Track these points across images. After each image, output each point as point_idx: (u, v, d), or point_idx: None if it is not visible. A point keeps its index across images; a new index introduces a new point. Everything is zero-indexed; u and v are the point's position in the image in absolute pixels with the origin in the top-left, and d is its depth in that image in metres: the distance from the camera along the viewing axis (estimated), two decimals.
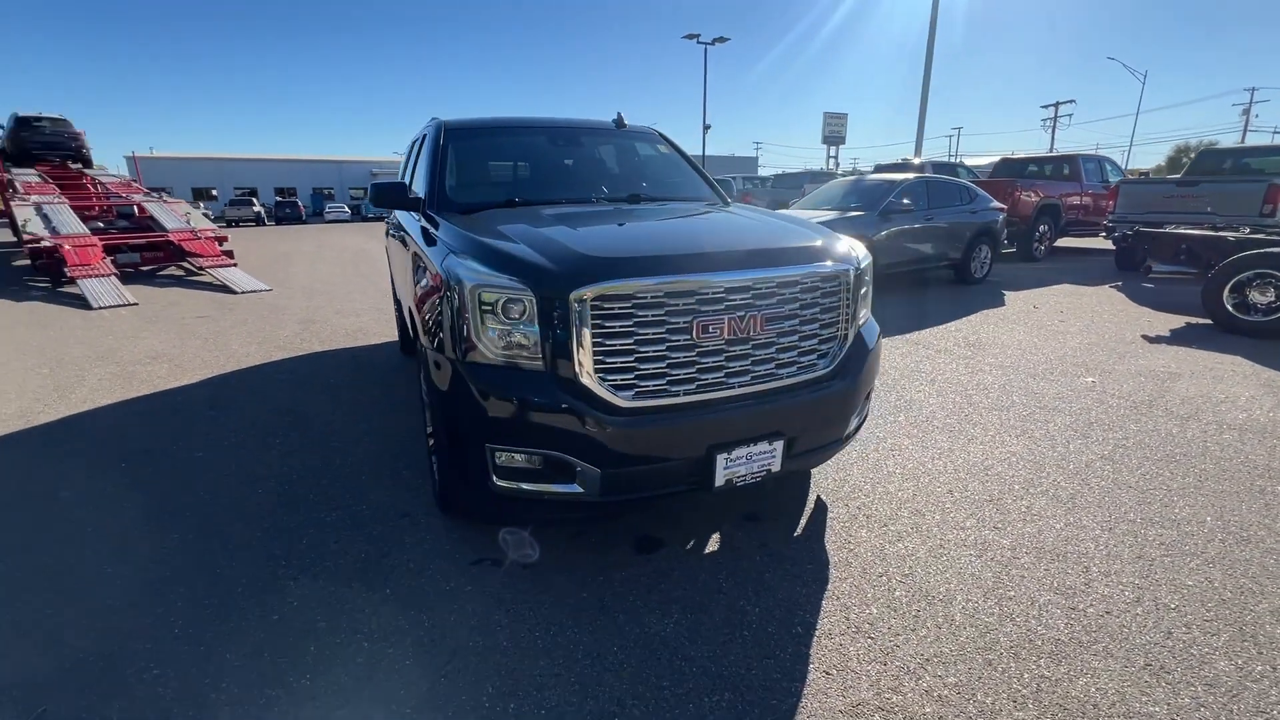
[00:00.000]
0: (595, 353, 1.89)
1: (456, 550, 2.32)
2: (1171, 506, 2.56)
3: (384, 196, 2.95)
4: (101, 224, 11.83)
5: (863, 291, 2.43)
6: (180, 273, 10.65)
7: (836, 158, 39.76)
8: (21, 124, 15.67)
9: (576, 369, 1.89)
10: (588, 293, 1.86)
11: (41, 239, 9.27)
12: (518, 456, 1.97)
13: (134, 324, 6.56)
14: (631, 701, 1.63)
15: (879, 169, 14.52)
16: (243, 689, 1.68)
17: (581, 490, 1.97)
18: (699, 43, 30.08)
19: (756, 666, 1.75)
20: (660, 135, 3.79)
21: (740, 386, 2.07)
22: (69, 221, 10.29)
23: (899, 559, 2.25)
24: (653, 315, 1.92)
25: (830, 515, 2.54)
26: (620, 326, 1.89)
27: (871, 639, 1.85)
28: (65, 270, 8.63)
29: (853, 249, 2.41)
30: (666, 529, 2.45)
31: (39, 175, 13.47)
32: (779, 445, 2.12)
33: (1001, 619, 1.92)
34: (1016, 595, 2.03)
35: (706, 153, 32.68)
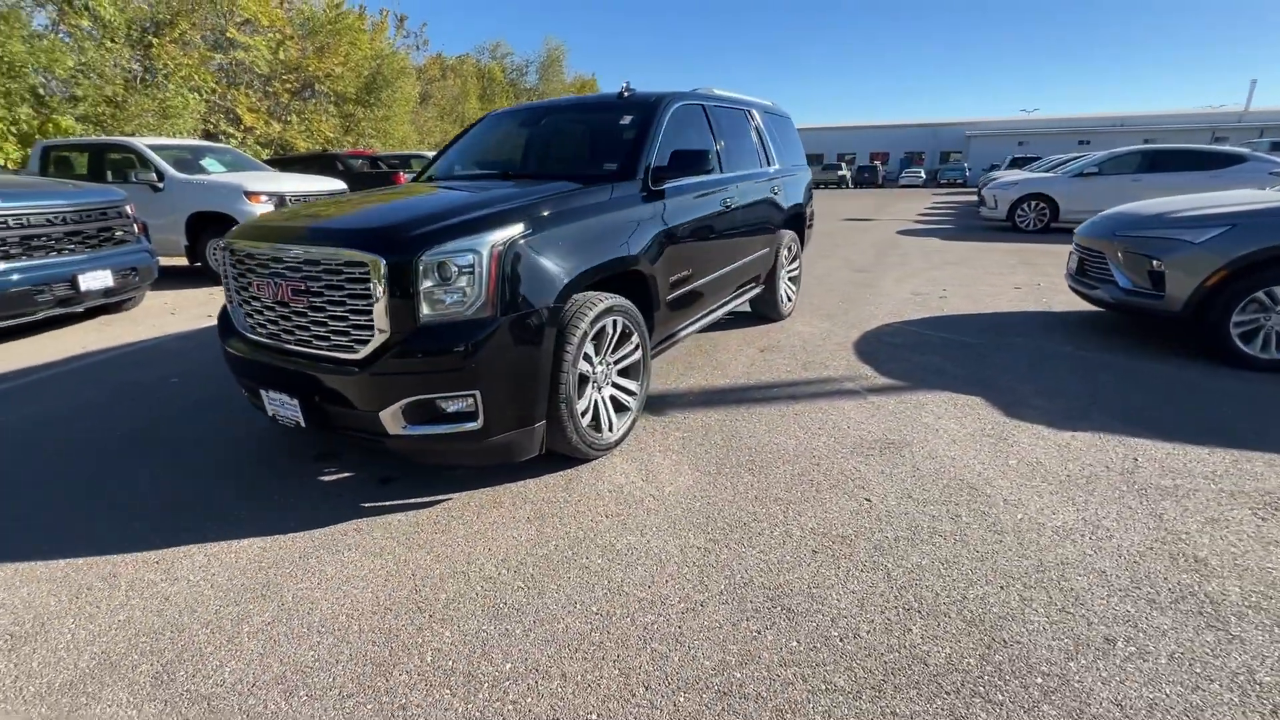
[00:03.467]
0: (232, 288, 2.68)
1: None
2: None
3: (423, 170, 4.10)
4: None
5: (435, 286, 2.16)
6: None
7: None
8: None
9: (227, 298, 2.74)
10: (221, 243, 2.65)
11: None
12: None
13: None
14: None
15: None
16: None
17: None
18: None
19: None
20: (647, 106, 3.39)
21: (289, 343, 2.43)
22: None
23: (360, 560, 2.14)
24: (241, 268, 2.54)
25: (419, 514, 2.43)
26: (235, 272, 2.61)
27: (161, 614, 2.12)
28: None
29: (418, 239, 2.16)
30: (360, 466, 2.92)
31: None
32: (297, 403, 2.38)
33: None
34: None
35: None
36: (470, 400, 2.24)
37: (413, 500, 2.53)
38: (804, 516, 2.33)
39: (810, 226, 5.71)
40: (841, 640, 1.73)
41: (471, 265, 2.17)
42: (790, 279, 5.31)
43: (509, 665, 1.68)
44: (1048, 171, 13.67)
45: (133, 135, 11.74)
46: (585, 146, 3.51)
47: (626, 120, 3.35)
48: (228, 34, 15.59)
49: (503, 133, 3.91)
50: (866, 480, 2.58)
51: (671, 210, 3.22)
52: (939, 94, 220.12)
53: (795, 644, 1.72)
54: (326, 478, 2.74)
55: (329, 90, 18.93)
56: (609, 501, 2.47)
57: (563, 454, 2.67)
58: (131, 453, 3.00)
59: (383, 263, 2.13)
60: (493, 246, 2.20)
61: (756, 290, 4.72)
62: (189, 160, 8.07)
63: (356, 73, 19.57)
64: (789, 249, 5.05)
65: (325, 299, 2.27)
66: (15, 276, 4.75)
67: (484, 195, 2.62)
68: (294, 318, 2.37)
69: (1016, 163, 24.96)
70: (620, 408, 2.93)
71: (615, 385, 2.90)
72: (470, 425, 2.28)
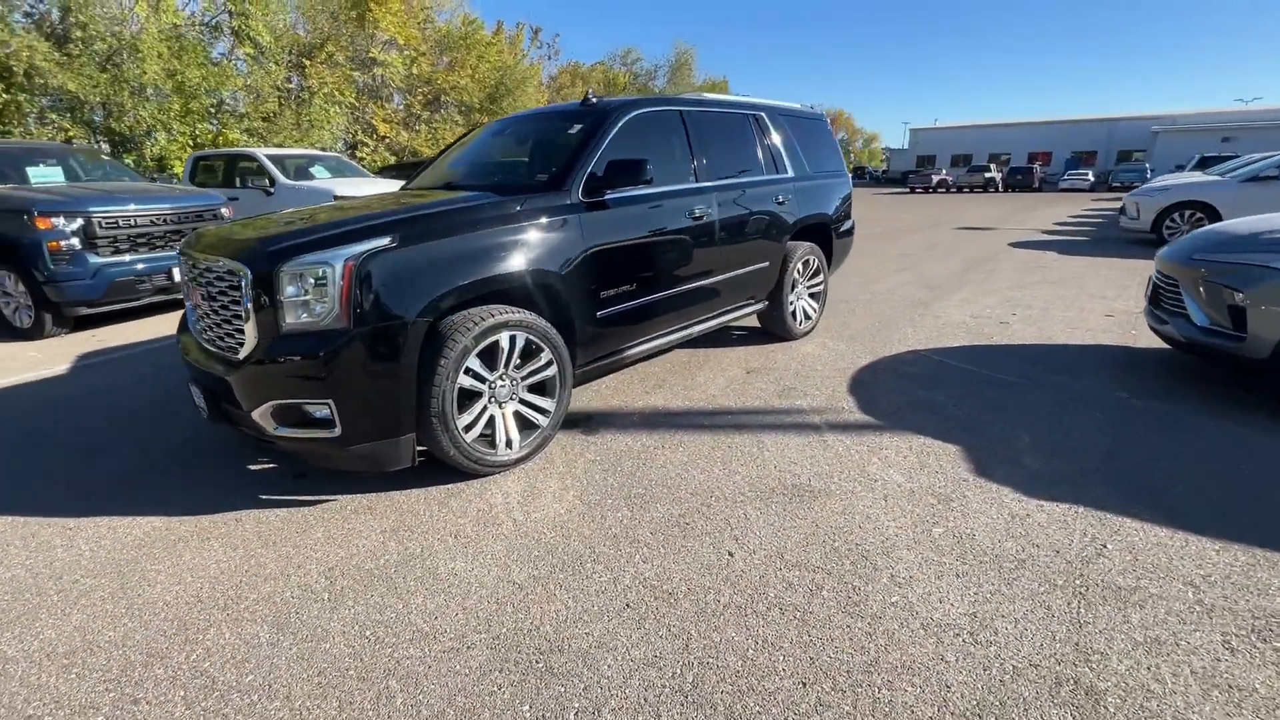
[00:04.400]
0: (185, 291, 2.98)
1: None
2: None
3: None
4: None
5: (294, 296, 2.25)
6: None
7: None
8: None
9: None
10: (177, 249, 2.96)
11: None
12: None
13: None
14: None
15: None
16: None
17: None
18: None
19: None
20: (596, 115, 3.26)
21: (203, 341, 2.67)
22: None
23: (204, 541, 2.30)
24: (188, 273, 2.82)
25: (295, 512, 2.55)
26: (183, 275, 2.90)
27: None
28: None
29: (279, 251, 2.27)
30: (286, 460, 3.13)
31: None
32: (204, 397, 2.60)
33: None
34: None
35: None
36: (326, 408, 2.31)
37: (303, 498, 2.65)
38: (647, 564, 2.13)
39: (843, 238, 5.20)
40: (576, 715, 1.55)
41: (325, 277, 2.23)
42: (811, 295, 4.88)
43: (250, 678, 1.70)
44: (1223, 175, 11.35)
45: (280, 145, 13.67)
46: (532, 157, 3.47)
47: (574, 130, 3.26)
48: (370, 53, 17.62)
49: (476, 143, 3.97)
50: (748, 531, 2.30)
51: (612, 222, 3.09)
52: (1121, 84, 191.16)
53: (526, 709, 1.57)
54: (255, 467, 2.96)
55: (455, 100, 20.65)
56: (468, 521, 2.43)
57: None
58: (128, 427, 3.45)
59: (249, 273, 2.26)
60: (346, 260, 2.24)
61: (756, 307, 4.40)
62: (304, 167, 9.17)
63: (481, 84, 21.13)
64: (805, 263, 4.64)
65: (219, 304, 2.45)
66: (140, 266, 5.81)
67: (378, 209, 2.68)
68: (205, 319, 2.59)
69: (1206, 163, 21.05)
70: (528, 425, 2.86)
71: (525, 402, 2.84)
72: (331, 432, 2.35)
